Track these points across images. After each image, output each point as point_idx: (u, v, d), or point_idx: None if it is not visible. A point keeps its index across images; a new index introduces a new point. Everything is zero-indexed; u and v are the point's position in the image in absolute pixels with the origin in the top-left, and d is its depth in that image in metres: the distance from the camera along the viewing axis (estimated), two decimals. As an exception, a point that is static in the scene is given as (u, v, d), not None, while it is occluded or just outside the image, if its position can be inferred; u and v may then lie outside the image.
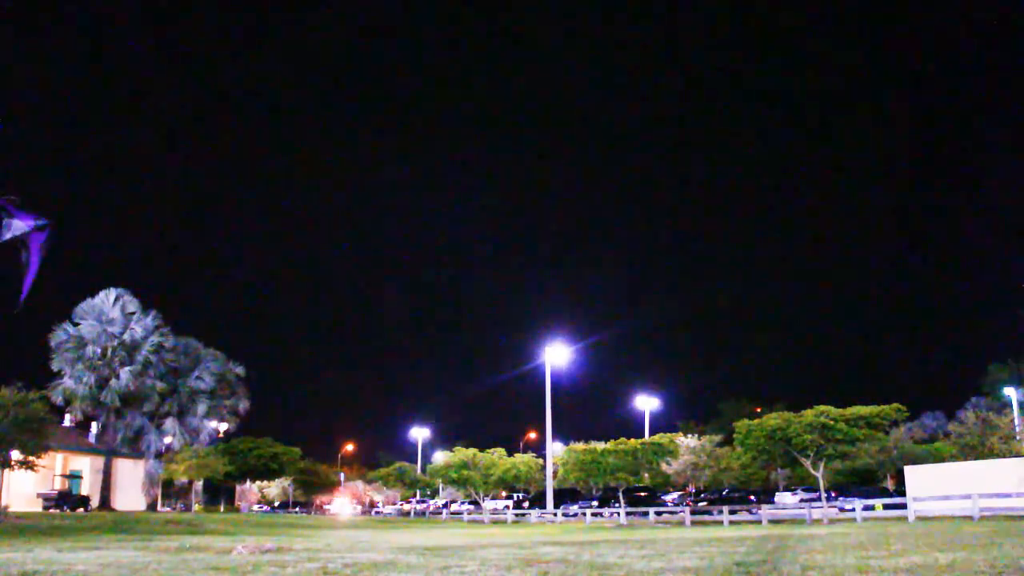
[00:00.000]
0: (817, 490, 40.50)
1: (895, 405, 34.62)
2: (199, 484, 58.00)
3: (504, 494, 64.55)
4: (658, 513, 42.35)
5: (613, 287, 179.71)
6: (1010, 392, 55.50)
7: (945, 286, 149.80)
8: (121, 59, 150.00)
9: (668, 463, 49.82)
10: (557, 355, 53.46)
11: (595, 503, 50.07)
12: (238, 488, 76.56)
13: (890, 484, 52.57)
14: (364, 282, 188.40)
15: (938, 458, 48.39)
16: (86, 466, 50.74)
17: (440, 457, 62.20)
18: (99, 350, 49.13)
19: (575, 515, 47.04)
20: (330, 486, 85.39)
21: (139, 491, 53.29)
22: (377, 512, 76.20)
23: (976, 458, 37.75)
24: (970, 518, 25.96)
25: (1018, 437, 40.35)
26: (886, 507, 32.45)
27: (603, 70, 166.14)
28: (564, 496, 55.72)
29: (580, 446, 47.04)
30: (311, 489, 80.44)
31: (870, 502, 33.76)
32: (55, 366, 48.50)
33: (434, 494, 70.33)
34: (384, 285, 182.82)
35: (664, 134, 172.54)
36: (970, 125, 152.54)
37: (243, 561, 10.78)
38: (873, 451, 48.90)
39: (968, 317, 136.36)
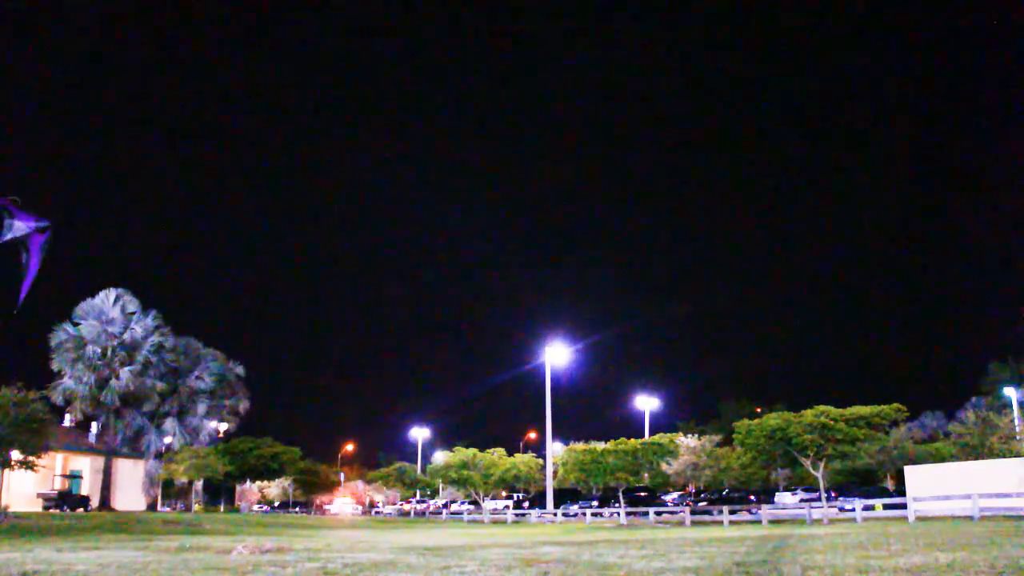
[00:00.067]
0: (817, 490, 40.48)
1: (895, 405, 34.59)
2: (199, 484, 57.97)
3: (504, 494, 64.54)
4: (658, 513, 42.34)
5: (613, 287, 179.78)
6: (1010, 392, 55.48)
7: (945, 286, 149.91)
8: (121, 59, 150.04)
9: (668, 463, 49.81)
10: (557, 355, 53.47)
11: (595, 503, 50.09)
12: (238, 488, 76.52)
13: (890, 484, 52.54)
14: (364, 282, 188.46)
15: (938, 458, 48.37)
16: (86, 466, 50.75)
17: (440, 457, 62.20)
18: (99, 350, 49.14)
19: (575, 515, 47.03)
20: (330, 486, 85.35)
21: (139, 491, 53.32)
22: (377, 512, 76.20)
23: (976, 458, 37.73)
24: (970, 518, 25.95)
25: (1018, 437, 40.33)
26: (886, 507, 32.45)
27: (603, 70, 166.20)
28: (564, 496, 55.72)
29: (580, 446, 47.03)
30: (311, 489, 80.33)
31: (870, 502, 33.76)
32: (55, 366, 48.52)
33: (434, 494, 70.29)
34: (384, 285, 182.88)
35: (664, 134, 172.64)
36: (970, 125, 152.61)
37: (243, 561, 10.78)
38: (873, 451, 48.86)
39: (968, 317, 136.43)
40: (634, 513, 42.26)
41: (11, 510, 31.22)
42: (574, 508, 49.79)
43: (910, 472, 37.75)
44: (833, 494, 44.17)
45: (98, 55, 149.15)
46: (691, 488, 58.58)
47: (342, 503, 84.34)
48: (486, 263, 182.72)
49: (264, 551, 12.66)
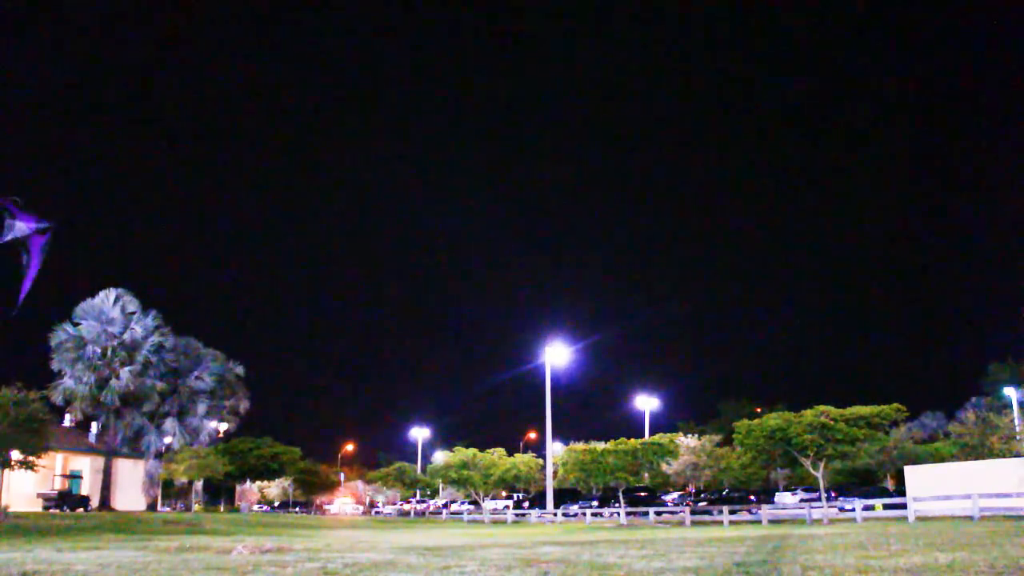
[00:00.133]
0: (817, 490, 40.48)
1: (895, 405, 34.59)
2: (199, 484, 57.97)
3: (504, 494, 64.52)
4: (658, 513, 42.33)
5: (613, 287, 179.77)
6: (1010, 392, 55.47)
7: (945, 286, 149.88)
8: (121, 59, 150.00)
9: (668, 463, 49.78)
10: (557, 355, 53.46)
11: (595, 503, 50.08)
12: (238, 488, 76.51)
13: (890, 484, 52.53)
14: (364, 282, 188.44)
15: (938, 458, 48.38)
16: (86, 466, 50.74)
17: (440, 457, 62.18)
18: (99, 350, 49.13)
19: (575, 515, 47.02)
20: (330, 486, 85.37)
21: (139, 491, 53.30)
22: (377, 512, 76.20)
23: (976, 458, 37.73)
24: (970, 518, 25.95)
25: (1018, 437, 40.31)
26: (886, 507, 32.44)
27: (603, 70, 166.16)
28: (564, 496, 55.70)
29: (580, 446, 47.02)
30: (311, 489, 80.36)
31: (870, 502, 33.75)
32: (55, 366, 48.50)
33: (434, 494, 70.30)
34: (384, 285, 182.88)
35: (664, 134, 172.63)
36: (970, 125, 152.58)
37: (243, 561, 10.78)
38: (873, 451, 48.84)
39: (968, 317, 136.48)
40: (634, 513, 42.25)
41: (11, 510, 31.20)
42: (574, 508, 49.78)
43: (910, 472, 37.75)
44: (833, 494, 44.16)
45: (98, 55, 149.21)
46: (691, 488, 58.56)
47: (343, 503, 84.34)
48: (486, 263, 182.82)
49: (264, 551, 12.66)
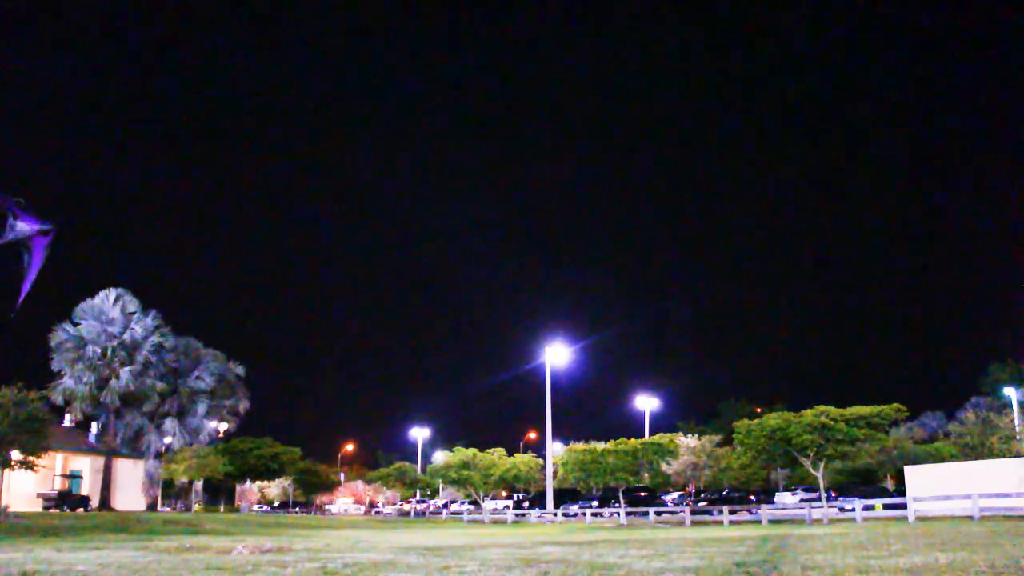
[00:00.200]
0: (817, 490, 40.48)
1: (895, 405, 34.59)
2: (199, 484, 57.96)
3: (504, 494, 64.53)
4: (658, 513, 42.33)
5: (613, 287, 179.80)
6: (1010, 392, 55.50)
7: (945, 286, 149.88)
8: (121, 59, 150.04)
9: (668, 463, 49.81)
10: (557, 355, 53.47)
11: (595, 503, 50.05)
12: (238, 488, 76.55)
13: (890, 484, 52.54)
14: (364, 282, 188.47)
15: (938, 458, 48.36)
16: (86, 466, 50.74)
17: (440, 457, 62.19)
18: (99, 350, 49.14)
19: (575, 515, 47.02)
20: (330, 486, 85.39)
21: (139, 491, 53.29)
22: (377, 512, 76.23)
23: (976, 458, 37.71)
24: (970, 518, 25.94)
25: (1018, 437, 40.29)
26: (886, 507, 32.44)
27: (603, 70, 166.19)
28: (564, 496, 55.70)
29: (580, 446, 47.03)
30: (311, 489, 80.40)
31: (870, 502, 33.75)
32: (55, 366, 48.51)
33: (434, 494, 70.34)
34: (384, 285, 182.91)
35: (664, 134, 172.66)
36: (970, 125, 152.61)
37: (243, 561, 10.78)
38: (873, 451, 48.78)
39: (968, 317, 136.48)
40: (634, 513, 42.25)
41: (11, 510, 31.21)
42: (574, 508, 49.78)
43: (910, 472, 37.74)
44: (833, 494, 44.16)
45: (98, 55, 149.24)
46: (691, 488, 58.56)
47: (344, 503, 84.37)
48: (486, 263, 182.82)
49: (264, 551, 12.66)
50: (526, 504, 58.94)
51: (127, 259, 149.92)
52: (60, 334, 48.92)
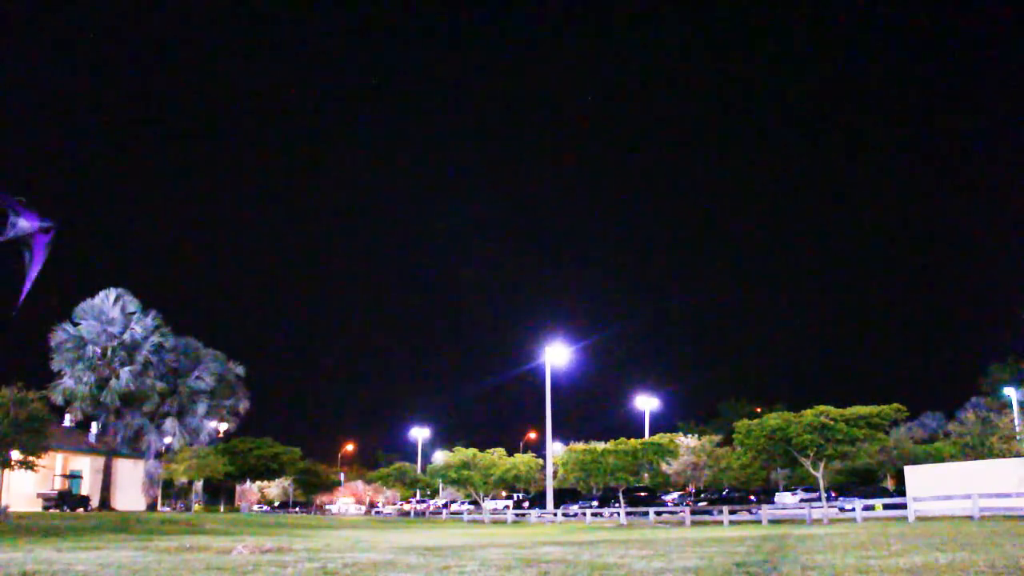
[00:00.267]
0: (817, 490, 40.48)
1: (895, 405, 34.58)
2: (199, 484, 57.97)
3: (504, 494, 64.53)
4: (658, 513, 42.33)
5: (613, 287, 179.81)
6: (1010, 392, 55.48)
7: (945, 286, 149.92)
8: (121, 59, 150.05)
9: (668, 463, 49.79)
10: (557, 355, 53.47)
11: (595, 503, 50.05)
12: (238, 488, 76.54)
13: (890, 484, 52.55)
14: (364, 282, 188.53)
15: (938, 458, 48.37)
16: (86, 466, 50.75)
17: (440, 457, 62.19)
18: (99, 350, 49.15)
19: (575, 515, 47.02)
20: (330, 486, 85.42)
21: (139, 491, 53.31)
22: (377, 512, 76.24)
23: (976, 458, 37.73)
24: (970, 518, 25.95)
25: (1018, 437, 40.30)
26: (886, 507, 32.44)
27: (603, 70, 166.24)
28: (564, 496, 55.70)
29: (580, 446, 47.02)
30: (311, 489, 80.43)
31: (870, 502, 33.75)
32: (55, 366, 48.53)
33: (434, 494, 70.34)
34: (384, 285, 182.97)
35: (664, 134, 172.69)
36: (970, 125, 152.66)
37: (243, 561, 10.78)
38: (873, 451, 48.80)
39: (968, 317, 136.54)
40: (634, 513, 42.25)
41: (11, 510, 31.21)
42: (574, 508, 49.78)
43: (910, 472, 37.74)
44: (833, 494, 44.17)
45: (98, 55, 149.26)
46: (691, 488, 58.56)
47: (345, 503, 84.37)
48: (486, 263, 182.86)
49: (264, 551, 12.66)
50: (526, 504, 58.93)
51: (127, 259, 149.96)
52: (60, 334, 48.94)
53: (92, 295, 50.88)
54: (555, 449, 56.48)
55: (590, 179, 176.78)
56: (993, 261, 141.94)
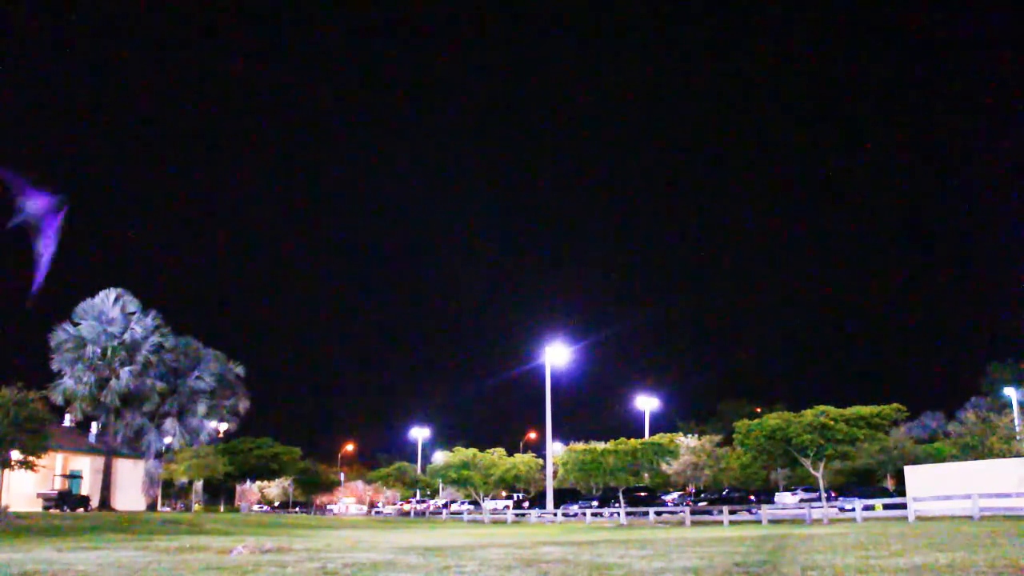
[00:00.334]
0: (817, 490, 40.48)
1: (895, 405, 34.59)
2: (199, 484, 57.98)
3: (504, 494, 64.54)
4: (658, 513, 42.34)
5: (613, 287, 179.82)
6: (1010, 392, 55.49)
7: (945, 286, 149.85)
8: (121, 58, 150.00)
9: (668, 463, 49.78)
10: (557, 355, 53.48)
11: (595, 503, 50.05)
12: (238, 488, 76.54)
13: (890, 484, 52.51)
14: (364, 282, 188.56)
15: (938, 458, 48.32)
16: (86, 466, 50.75)
17: (440, 457, 62.19)
18: (99, 350, 49.15)
19: (575, 515, 47.02)
20: (330, 486, 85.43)
21: (139, 491, 53.32)
22: (377, 512, 76.25)
23: (976, 458, 37.69)
24: (970, 518, 25.95)
25: (1018, 437, 40.28)
26: (886, 507, 32.44)
27: (604, 70, 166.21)
28: (564, 496, 55.70)
29: (580, 446, 47.01)
30: (311, 489, 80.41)
31: (870, 502, 33.74)
32: (55, 366, 48.53)
33: (434, 494, 70.33)
34: (384, 285, 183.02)
35: (664, 134, 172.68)
36: (970, 124, 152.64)
37: (243, 561, 10.78)
38: (873, 451, 48.83)
39: (968, 317, 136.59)
40: (634, 513, 42.25)
41: (11, 510, 31.22)
42: (574, 508, 49.78)
43: (910, 472, 37.74)
44: (833, 494, 44.16)
45: (99, 54, 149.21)
46: (691, 488, 58.55)
47: (346, 503, 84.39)
48: (486, 263, 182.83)
49: (264, 551, 12.66)
50: (526, 504, 58.95)
51: (127, 259, 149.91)
52: (60, 334, 48.95)
53: (92, 295, 50.93)
54: (555, 449, 56.49)
55: (590, 179, 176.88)
56: (993, 261, 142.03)
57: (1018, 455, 36.46)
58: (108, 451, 49.85)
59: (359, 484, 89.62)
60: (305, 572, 9.26)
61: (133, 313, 51.12)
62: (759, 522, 33.50)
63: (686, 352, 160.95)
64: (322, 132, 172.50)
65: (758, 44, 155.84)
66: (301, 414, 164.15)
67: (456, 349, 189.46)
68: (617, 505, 43.38)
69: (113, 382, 48.86)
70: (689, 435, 61.59)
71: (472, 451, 51.46)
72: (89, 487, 49.54)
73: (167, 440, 54.16)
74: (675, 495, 57.08)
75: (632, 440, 41.90)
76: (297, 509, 74.67)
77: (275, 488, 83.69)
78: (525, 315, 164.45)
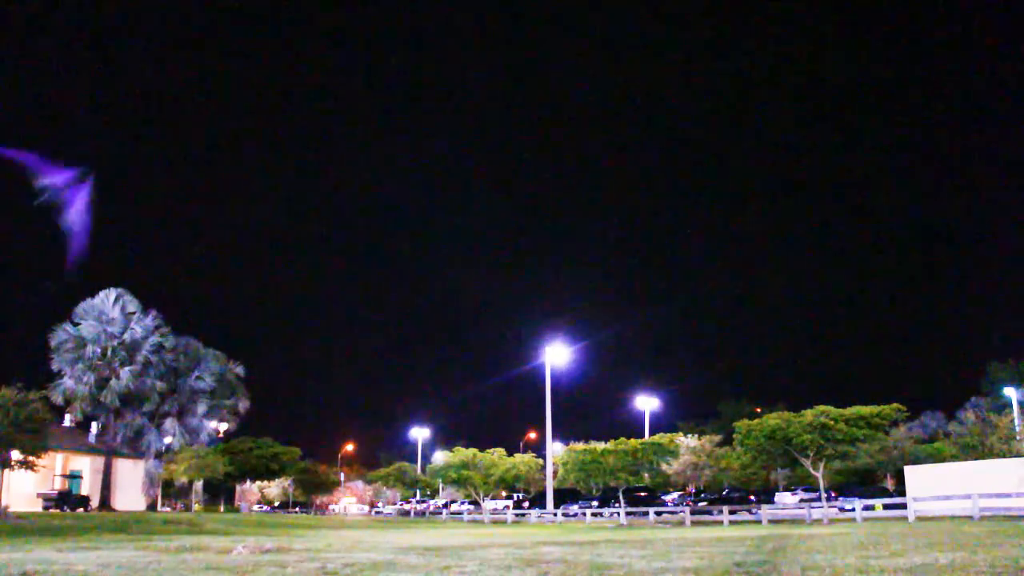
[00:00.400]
0: (817, 490, 40.47)
1: (895, 405, 34.56)
2: (199, 484, 57.99)
3: (504, 494, 64.53)
4: (658, 513, 42.34)
5: (613, 287, 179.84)
6: (1010, 392, 55.47)
7: (945, 286, 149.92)
8: (121, 58, 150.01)
9: (668, 463, 49.78)
10: (557, 355, 53.46)
11: (595, 503, 50.05)
12: (238, 488, 76.56)
13: (890, 484, 52.53)
14: (364, 283, 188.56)
15: (938, 458, 48.33)
16: (86, 466, 50.76)
17: (440, 457, 62.20)
18: (99, 350, 49.15)
19: (575, 515, 47.02)
20: (330, 486, 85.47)
21: (139, 491, 53.31)
22: (377, 512, 76.26)
23: (976, 458, 37.69)
24: (970, 518, 25.94)
25: (1018, 437, 40.28)
26: (886, 507, 32.44)
27: (604, 70, 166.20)
28: (564, 496, 55.70)
29: (580, 446, 47.01)
30: (311, 489, 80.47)
31: (870, 502, 33.75)
32: (55, 366, 48.55)
33: (434, 494, 70.34)
34: (384, 285, 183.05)
35: (664, 133, 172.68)
36: (971, 124, 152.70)
37: (243, 561, 10.78)
38: (873, 451, 48.83)
39: (968, 317, 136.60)
40: (634, 513, 42.25)
41: (11, 510, 31.22)
42: (574, 508, 49.78)
43: (910, 472, 37.74)
44: (833, 494, 44.15)
45: (99, 53, 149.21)
46: (691, 488, 58.56)
47: (347, 503, 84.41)
48: (486, 263, 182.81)
49: (264, 551, 12.66)
50: (526, 504, 58.93)
51: (127, 259, 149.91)
52: (60, 334, 48.96)
53: (92, 295, 50.94)
54: (555, 449, 56.47)
55: (590, 179, 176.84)
56: (993, 261, 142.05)
57: (1018, 455, 36.46)
58: (108, 451, 49.85)
59: (359, 484, 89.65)
60: (305, 572, 9.26)
61: (133, 313, 51.13)
62: (759, 522, 33.50)
63: (686, 352, 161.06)
64: (322, 132, 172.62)
65: (758, 44, 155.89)
66: (301, 414, 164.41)
67: (456, 349, 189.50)
68: (617, 505, 43.38)
69: (113, 382, 48.86)
70: (689, 435, 61.58)
71: (472, 451, 51.45)
72: (89, 487, 49.55)
73: (167, 440, 54.16)
74: (675, 495, 57.08)
75: (632, 440, 41.88)
76: (297, 509, 74.67)
77: (275, 488, 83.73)
78: (525, 315, 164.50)
